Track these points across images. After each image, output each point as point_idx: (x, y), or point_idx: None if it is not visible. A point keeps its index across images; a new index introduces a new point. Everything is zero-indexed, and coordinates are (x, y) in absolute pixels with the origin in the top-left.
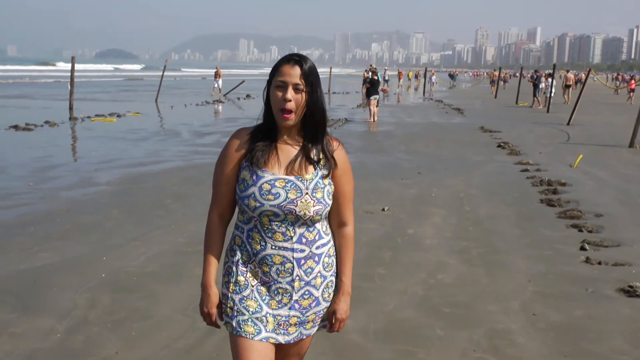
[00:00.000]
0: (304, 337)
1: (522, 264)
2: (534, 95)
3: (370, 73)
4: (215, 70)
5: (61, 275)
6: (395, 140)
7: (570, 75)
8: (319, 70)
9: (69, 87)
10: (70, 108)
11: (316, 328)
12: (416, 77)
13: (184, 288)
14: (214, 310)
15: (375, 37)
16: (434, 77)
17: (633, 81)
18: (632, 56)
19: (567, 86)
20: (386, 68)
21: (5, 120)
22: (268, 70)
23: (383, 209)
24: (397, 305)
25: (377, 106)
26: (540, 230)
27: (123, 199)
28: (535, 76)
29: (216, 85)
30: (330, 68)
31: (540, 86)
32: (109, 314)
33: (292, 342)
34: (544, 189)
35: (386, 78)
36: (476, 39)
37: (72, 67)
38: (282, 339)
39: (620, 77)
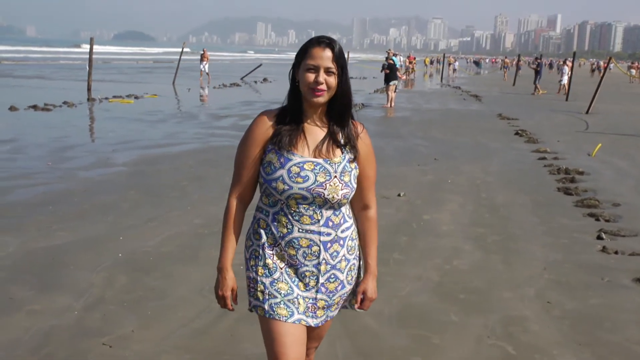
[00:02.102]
0: (329, 319)
1: (538, 252)
2: (535, 82)
3: (386, 59)
4: (202, 52)
5: (78, 254)
6: (412, 126)
7: (568, 63)
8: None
9: (87, 68)
10: (89, 89)
11: (338, 310)
12: (432, 63)
13: (200, 269)
14: (228, 294)
15: (393, 23)
16: (457, 64)
17: None
18: None
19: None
20: (397, 53)
21: (24, 100)
22: (286, 55)
23: (399, 195)
24: (412, 290)
25: (395, 92)
26: (557, 218)
27: (140, 180)
28: (537, 63)
29: (203, 69)
30: (348, 53)
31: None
32: (126, 293)
33: (320, 325)
34: (561, 177)
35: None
36: (495, 25)
37: (91, 48)
38: (311, 322)
39: (637, 66)
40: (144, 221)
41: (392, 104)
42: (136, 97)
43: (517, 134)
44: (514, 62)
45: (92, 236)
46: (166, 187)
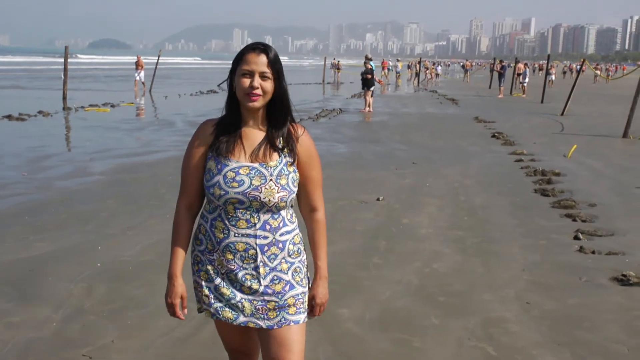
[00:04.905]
0: (291, 323)
1: (517, 253)
2: (500, 85)
3: (364, 64)
4: (136, 60)
5: (57, 264)
6: (390, 131)
7: (520, 65)
8: (314, 60)
9: (62, 76)
10: (64, 98)
11: (303, 315)
12: (408, 67)
13: None
14: (177, 302)
15: (369, 28)
16: (439, 68)
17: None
18: (626, 47)
19: (519, 74)
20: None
21: None
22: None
23: (378, 199)
24: (393, 294)
25: (372, 96)
26: (535, 219)
27: (118, 189)
28: (501, 66)
29: (138, 77)
30: (325, 58)
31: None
32: (105, 303)
33: (275, 327)
34: (538, 179)
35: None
36: (470, 29)
37: (66, 57)
38: (263, 324)
39: (605, 67)
40: (123, 230)
41: (370, 109)
42: (112, 106)
43: (494, 136)
44: (492, 65)
45: (70, 246)
46: (144, 196)
